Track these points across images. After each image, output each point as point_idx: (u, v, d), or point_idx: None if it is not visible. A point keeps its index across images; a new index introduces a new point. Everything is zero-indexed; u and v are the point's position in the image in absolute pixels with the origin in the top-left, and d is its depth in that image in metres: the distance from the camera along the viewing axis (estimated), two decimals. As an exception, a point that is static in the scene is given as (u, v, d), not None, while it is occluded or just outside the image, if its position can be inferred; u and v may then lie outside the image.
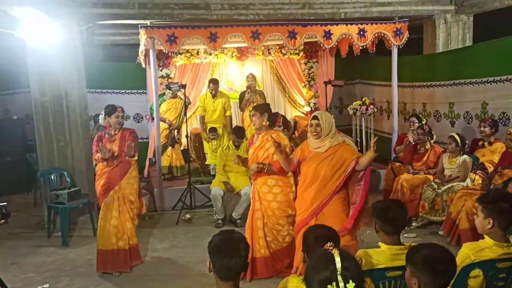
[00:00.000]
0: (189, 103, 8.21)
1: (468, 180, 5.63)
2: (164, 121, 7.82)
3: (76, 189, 6.05)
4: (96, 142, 4.90)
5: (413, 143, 6.56)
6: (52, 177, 6.29)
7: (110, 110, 4.89)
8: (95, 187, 5.00)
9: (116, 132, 4.94)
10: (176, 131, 7.98)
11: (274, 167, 4.45)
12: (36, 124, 6.38)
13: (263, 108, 4.61)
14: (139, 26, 6.81)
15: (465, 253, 2.67)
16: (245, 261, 2.19)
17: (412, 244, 2.53)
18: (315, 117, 3.96)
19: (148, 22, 6.84)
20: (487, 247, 2.66)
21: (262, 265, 4.55)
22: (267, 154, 4.54)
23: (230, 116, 8.36)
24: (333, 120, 4.05)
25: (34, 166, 7.80)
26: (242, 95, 8.49)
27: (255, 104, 6.53)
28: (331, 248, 1.89)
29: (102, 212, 4.85)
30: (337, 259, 1.81)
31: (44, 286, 4.62)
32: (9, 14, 5.64)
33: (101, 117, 5.04)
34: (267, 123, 4.52)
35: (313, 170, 3.93)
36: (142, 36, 6.78)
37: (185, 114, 7.22)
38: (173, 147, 7.93)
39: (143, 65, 8.11)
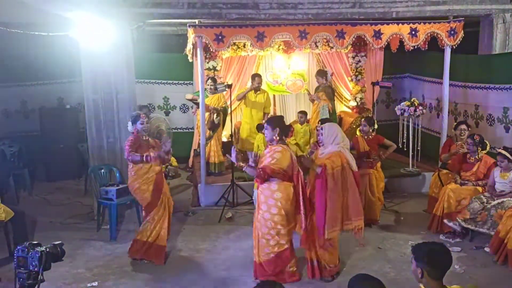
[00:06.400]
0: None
1: (519, 196, 5.43)
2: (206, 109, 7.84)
3: (124, 186, 6.23)
4: (134, 144, 5.15)
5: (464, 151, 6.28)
6: (102, 173, 6.54)
7: (135, 117, 5.27)
8: (135, 190, 5.28)
9: (147, 138, 5.36)
10: (215, 115, 7.83)
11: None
12: (87, 121, 6.61)
13: (276, 123, 4.68)
14: (187, 24, 6.87)
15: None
16: (285, 313, 2.25)
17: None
18: (321, 129, 4.78)
19: (196, 21, 6.87)
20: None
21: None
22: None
23: (269, 114, 8.36)
24: (338, 132, 4.73)
25: (85, 155, 8.12)
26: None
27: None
28: None
29: (158, 217, 5.29)
30: None
31: (93, 284, 4.86)
32: (63, 16, 5.83)
33: (129, 124, 5.33)
34: (278, 137, 4.60)
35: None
36: (190, 35, 6.83)
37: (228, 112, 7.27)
38: (213, 131, 7.85)
39: (190, 59, 8.20)
